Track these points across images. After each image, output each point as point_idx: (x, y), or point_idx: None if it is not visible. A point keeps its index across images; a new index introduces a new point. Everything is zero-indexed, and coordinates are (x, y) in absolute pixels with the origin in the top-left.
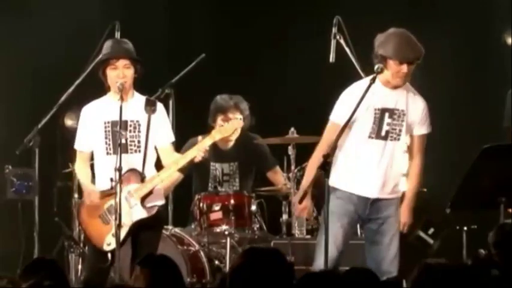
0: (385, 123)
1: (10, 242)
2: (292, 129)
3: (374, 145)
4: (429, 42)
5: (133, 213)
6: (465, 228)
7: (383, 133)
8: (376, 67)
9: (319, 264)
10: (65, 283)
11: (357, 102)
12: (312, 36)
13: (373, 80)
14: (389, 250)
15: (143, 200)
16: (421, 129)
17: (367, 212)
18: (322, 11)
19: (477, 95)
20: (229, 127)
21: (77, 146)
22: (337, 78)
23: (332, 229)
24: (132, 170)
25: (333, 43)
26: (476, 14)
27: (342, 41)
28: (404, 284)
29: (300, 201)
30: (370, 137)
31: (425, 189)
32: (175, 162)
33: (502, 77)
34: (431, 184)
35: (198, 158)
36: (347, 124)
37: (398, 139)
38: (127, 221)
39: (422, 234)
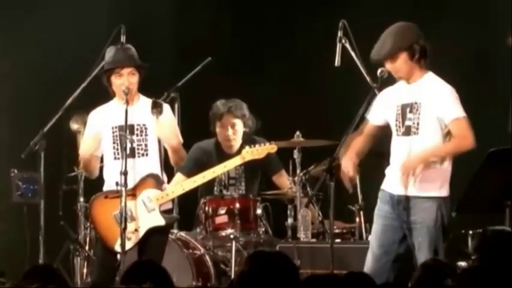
0: (407, 119)
1: (15, 246)
2: (298, 132)
3: (401, 141)
4: (433, 44)
5: (151, 218)
6: (471, 232)
7: (404, 129)
8: (379, 71)
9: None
10: None
11: (385, 101)
12: (318, 40)
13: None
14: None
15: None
16: (448, 115)
17: (396, 212)
18: (328, 14)
19: (481, 98)
20: (261, 150)
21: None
22: (342, 83)
23: (372, 232)
24: (151, 175)
25: (339, 47)
26: (480, 16)
27: (347, 45)
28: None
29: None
30: (397, 134)
31: None
32: (202, 176)
33: (506, 80)
34: None
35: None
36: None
37: (417, 133)
38: (144, 225)
39: None
